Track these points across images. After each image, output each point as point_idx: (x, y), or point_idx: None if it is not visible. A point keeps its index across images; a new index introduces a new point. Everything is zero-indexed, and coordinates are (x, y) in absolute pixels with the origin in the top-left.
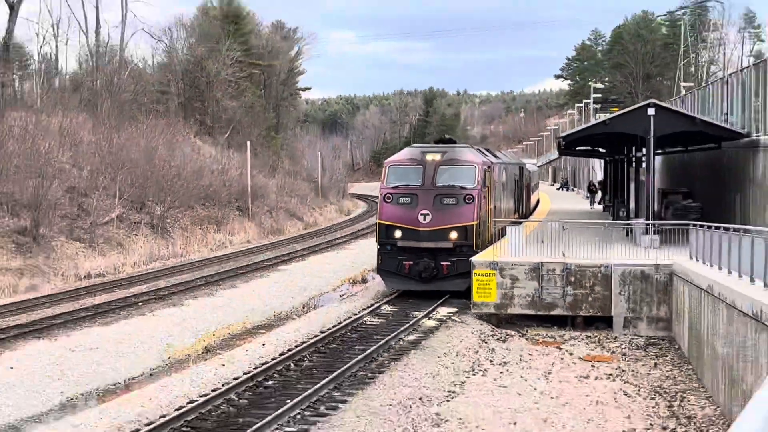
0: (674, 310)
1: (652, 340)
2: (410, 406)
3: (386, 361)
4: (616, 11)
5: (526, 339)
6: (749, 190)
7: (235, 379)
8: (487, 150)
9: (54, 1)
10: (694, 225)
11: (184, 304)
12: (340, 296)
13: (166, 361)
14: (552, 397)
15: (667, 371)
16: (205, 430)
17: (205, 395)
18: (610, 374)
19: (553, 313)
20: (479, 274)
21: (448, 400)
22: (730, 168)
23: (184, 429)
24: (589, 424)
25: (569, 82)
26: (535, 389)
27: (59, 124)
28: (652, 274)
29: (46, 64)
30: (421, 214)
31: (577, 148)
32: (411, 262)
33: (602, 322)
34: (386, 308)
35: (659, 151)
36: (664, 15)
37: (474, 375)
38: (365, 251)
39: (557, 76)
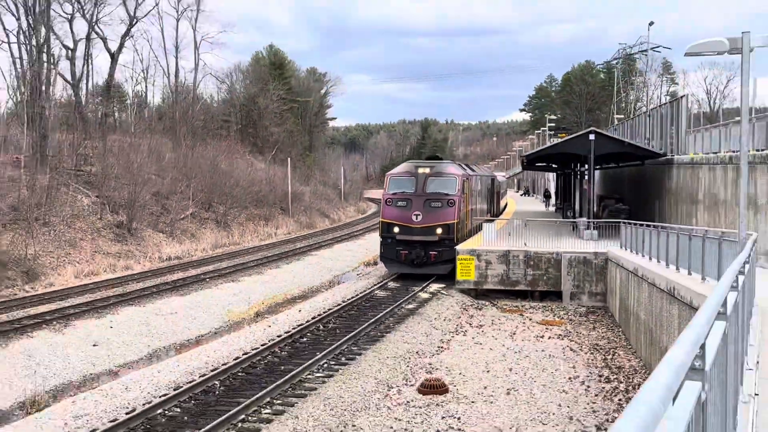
0: (608, 287)
1: (592, 310)
2: (409, 358)
3: (391, 324)
4: (566, 61)
5: (497, 308)
6: (665, 196)
7: (278, 336)
8: (467, 165)
9: (144, 51)
10: (624, 222)
11: (240, 280)
12: (357, 275)
13: (227, 322)
14: (515, 352)
15: (602, 333)
16: (255, 375)
17: (256, 349)
18: (560, 335)
19: (517, 288)
20: (462, 259)
21: (437, 353)
22: (651, 179)
23: (239, 374)
24: (544, 372)
25: (530, 114)
26: (503, 345)
27: (148, 145)
28: (592, 259)
29: (137, 99)
30: (414, 215)
31: (536, 164)
32: (406, 252)
33: (554, 295)
34: (391, 284)
35: (598, 167)
36: (602, 64)
37: (457, 335)
38: (376, 241)
39: (521, 110)
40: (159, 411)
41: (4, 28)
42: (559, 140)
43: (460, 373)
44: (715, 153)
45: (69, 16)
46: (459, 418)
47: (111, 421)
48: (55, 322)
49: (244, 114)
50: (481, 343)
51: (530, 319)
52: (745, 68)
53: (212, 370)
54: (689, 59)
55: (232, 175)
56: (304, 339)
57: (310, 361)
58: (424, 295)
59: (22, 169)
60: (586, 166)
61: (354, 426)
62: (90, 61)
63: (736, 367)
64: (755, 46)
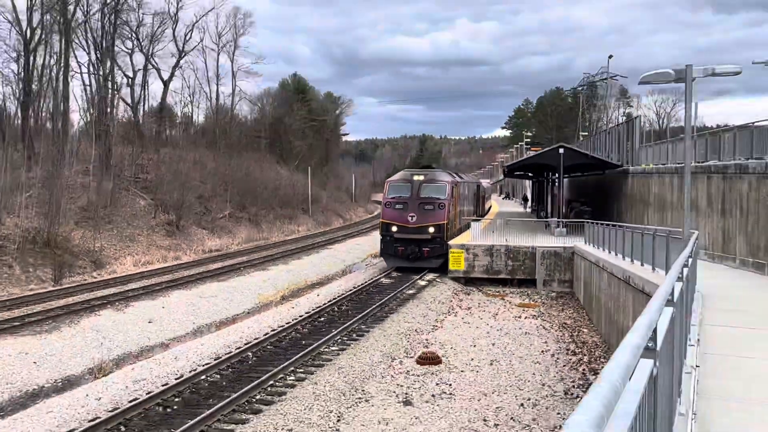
0: (575, 275)
1: (561, 294)
2: (409, 335)
3: (394, 306)
4: (540, 87)
5: (482, 293)
6: (622, 200)
7: (300, 316)
8: (456, 173)
9: (191, 80)
10: (588, 222)
11: (269, 269)
12: (366, 265)
13: (258, 304)
14: (497, 330)
15: (570, 314)
16: (281, 348)
17: (282, 326)
18: (535, 315)
19: (499, 276)
20: (453, 252)
21: (432, 331)
22: (610, 186)
23: (268, 347)
24: (521, 346)
25: (510, 131)
26: (488, 324)
27: (193, 157)
28: (561, 252)
29: (185, 119)
30: (410, 216)
31: (516, 173)
32: (403, 248)
33: (530, 282)
34: (394, 274)
35: (566, 175)
36: (570, 90)
37: (449, 315)
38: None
39: (503, 127)
40: (203, 377)
41: (77, 61)
42: (534, 153)
43: (452, 348)
44: (664, 164)
45: (129, 51)
46: (450, 385)
47: (163, 385)
48: (117, 303)
49: (273, 131)
50: (469, 323)
51: (510, 303)
52: (689, 94)
53: (246, 344)
54: (642, 86)
55: (262, 181)
56: (322, 318)
57: (327, 337)
58: (421, 283)
59: (91, 177)
60: (557, 175)
61: (363, 390)
62: (146, 87)
63: (681, 344)
64: (696, 77)
